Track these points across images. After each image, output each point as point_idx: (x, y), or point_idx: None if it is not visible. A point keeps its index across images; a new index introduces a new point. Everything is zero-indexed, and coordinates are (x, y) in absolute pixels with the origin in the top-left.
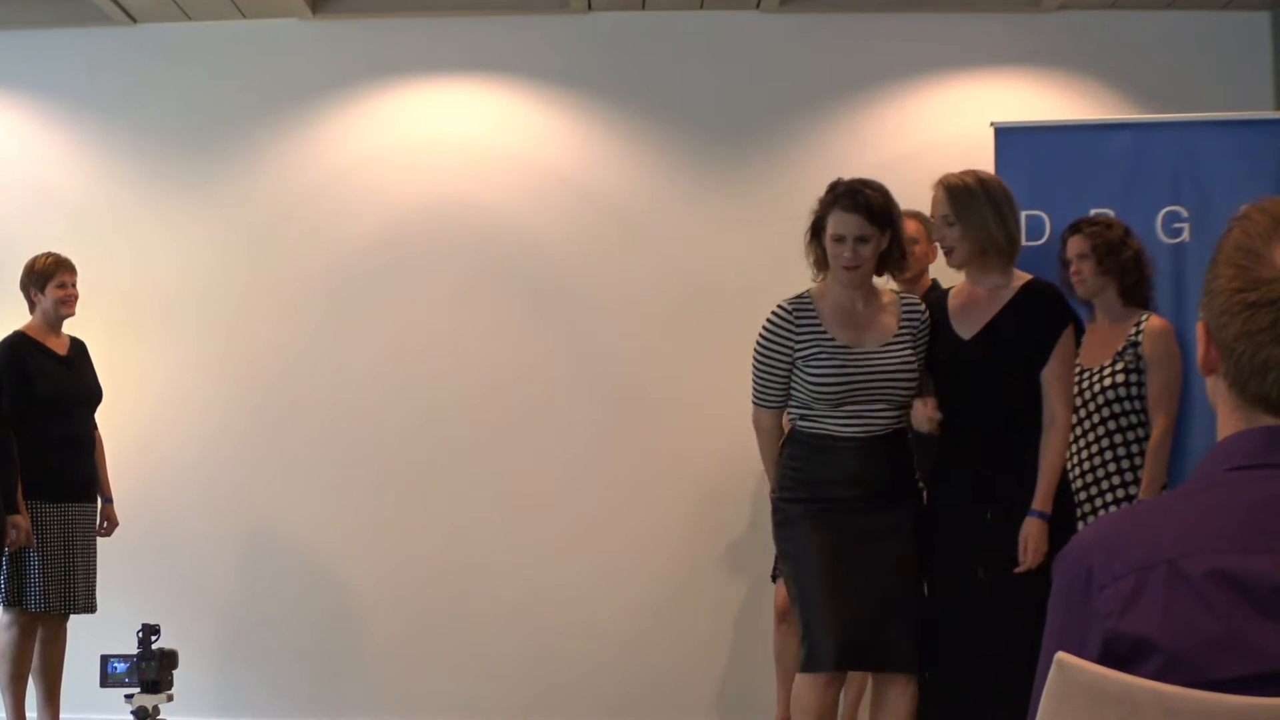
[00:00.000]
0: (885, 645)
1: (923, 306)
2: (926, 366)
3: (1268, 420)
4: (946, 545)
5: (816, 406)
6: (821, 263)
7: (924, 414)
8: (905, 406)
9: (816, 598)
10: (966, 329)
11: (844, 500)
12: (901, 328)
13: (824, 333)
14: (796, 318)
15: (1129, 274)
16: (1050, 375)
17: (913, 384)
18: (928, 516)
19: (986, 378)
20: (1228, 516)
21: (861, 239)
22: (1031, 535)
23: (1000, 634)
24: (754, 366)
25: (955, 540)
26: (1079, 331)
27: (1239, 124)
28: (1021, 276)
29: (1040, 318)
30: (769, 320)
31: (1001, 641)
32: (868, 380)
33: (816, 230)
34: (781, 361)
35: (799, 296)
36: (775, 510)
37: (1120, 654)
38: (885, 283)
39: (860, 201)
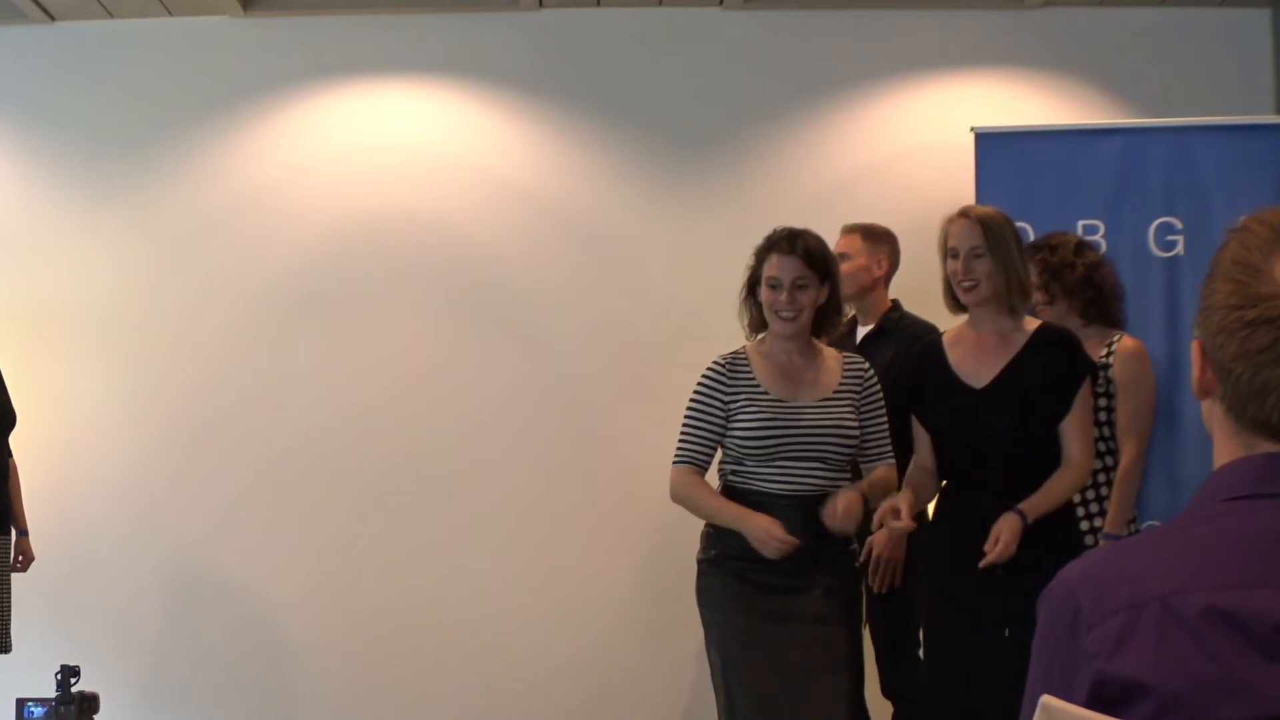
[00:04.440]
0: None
1: (867, 367)
2: (925, 421)
3: (1268, 447)
4: (963, 604)
5: (748, 462)
6: (757, 323)
7: (890, 520)
8: (841, 467)
9: (738, 677)
10: (977, 378)
11: (770, 563)
12: (842, 386)
13: (757, 386)
14: (730, 371)
15: (1081, 293)
16: (1071, 425)
17: (851, 443)
18: (858, 580)
19: (1003, 428)
20: (1225, 550)
21: (800, 285)
22: (1006, 528)
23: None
24: (683, 421)
25: (974, 599)
26: (1094, 380)
27: (1237, 129)
28: (1032, 322)
29: (1060, 366)
30: (703, 375)
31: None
32: (800, 435)
33: (753, 285)
34: (713, 416)
35: (735, 352)
36: (699, 574)
37: (1110, 697)
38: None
39: (798, 245)
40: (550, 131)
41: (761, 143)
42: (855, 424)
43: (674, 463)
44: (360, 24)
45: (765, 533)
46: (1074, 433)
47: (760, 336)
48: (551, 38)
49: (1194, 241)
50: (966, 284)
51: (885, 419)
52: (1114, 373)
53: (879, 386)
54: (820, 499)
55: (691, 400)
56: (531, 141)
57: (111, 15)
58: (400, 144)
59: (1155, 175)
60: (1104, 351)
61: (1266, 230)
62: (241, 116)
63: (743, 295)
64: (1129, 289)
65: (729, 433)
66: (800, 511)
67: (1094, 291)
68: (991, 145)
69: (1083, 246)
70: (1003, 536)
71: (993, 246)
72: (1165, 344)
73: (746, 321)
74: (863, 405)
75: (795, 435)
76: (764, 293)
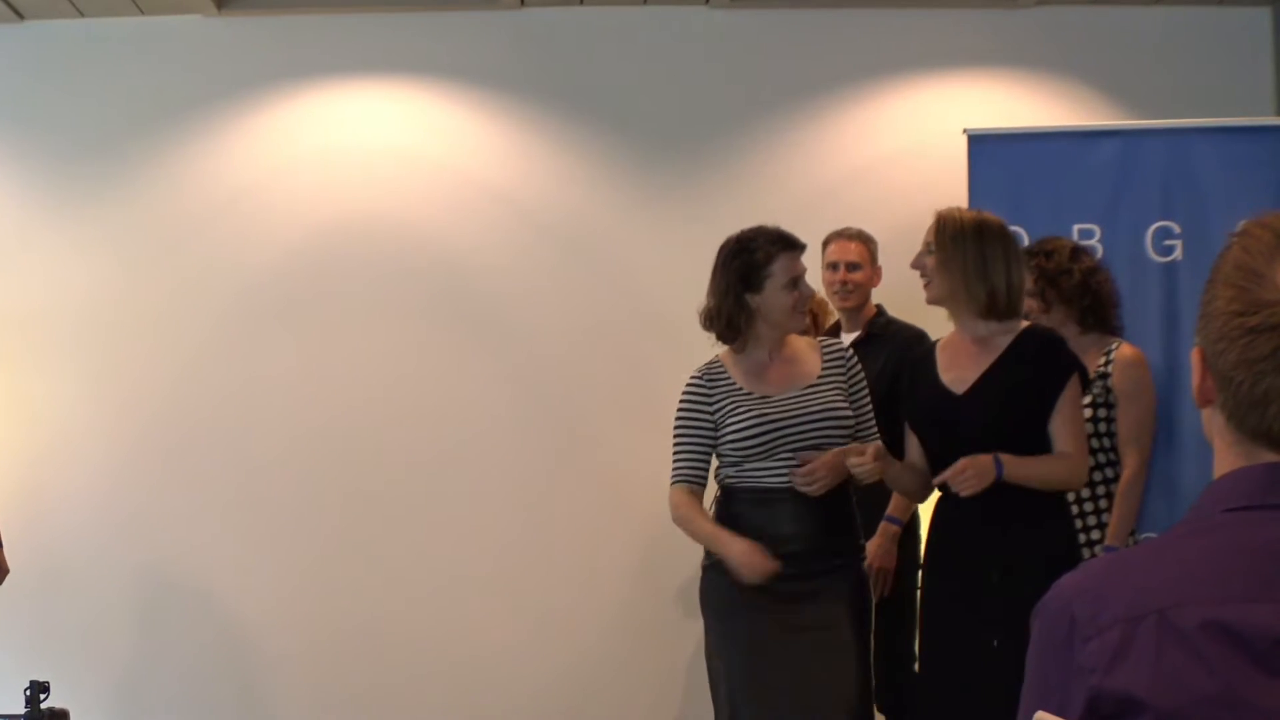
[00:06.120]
0: None
1: (845, 348)
2: (913, 426)
3: (1268, 456)
4: (952, 612)
5: (748, 464)
6: (734, 328)
7: (860, 462)
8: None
9: (742, 683)
10: (958, 383)
11: (778, 559)
12: (825, 371)
13: (739, 388)
14: (709, 380)
15: (1078, 300)
16: (1058, 424)
17: (846, 425)
18: (867, 583)
19: (983, 436)
20: (1225, 563)
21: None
22: (973, 461)
23: (1014, 704)
24: (673, 440)
25: (962, 607)
26: (1085, 379)
27: (1237, 130)
28: (1022, 325)
29: (1040, 367)
30: (684, 390)
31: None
32: (794, 425)
33: (748, 284)
34: (701, 429)
35: (709, 362)
36: (704, 578)
37: (1106, 713)
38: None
39: (797, 241)
40: (533, 133)
41: (749, 145)
42: (847, 406)
43: (671, 483)
44: (337, 23)
45: (746, 557)
46: (1062, 430)
47: (737, 343)
48: (533, 37)
49: (1192, 246)
50: (923, 280)
51: (869, 400)
52: (1113, 382)
53: (860, 367)
54: (828, 490)
55: (677, 418)
56: (513, 143)
57: (82, 14)
58: (379, 145)
59: (1152, 178)
60: (1102, 360)
61: (1268, 235)
62: (216, 118)
63: (722, 297)
64: (1126, 295)
65: (723, 441)
66: (805, 505)
67: (1090, 298)
68: (984, 147)
69: (1078, 252)
70: (966, 466)
71: (940, 245)
72: (1163, 351)
73: (723, 325)
74: (851, 387)
75: (789, 426)
76: (776, 291)
